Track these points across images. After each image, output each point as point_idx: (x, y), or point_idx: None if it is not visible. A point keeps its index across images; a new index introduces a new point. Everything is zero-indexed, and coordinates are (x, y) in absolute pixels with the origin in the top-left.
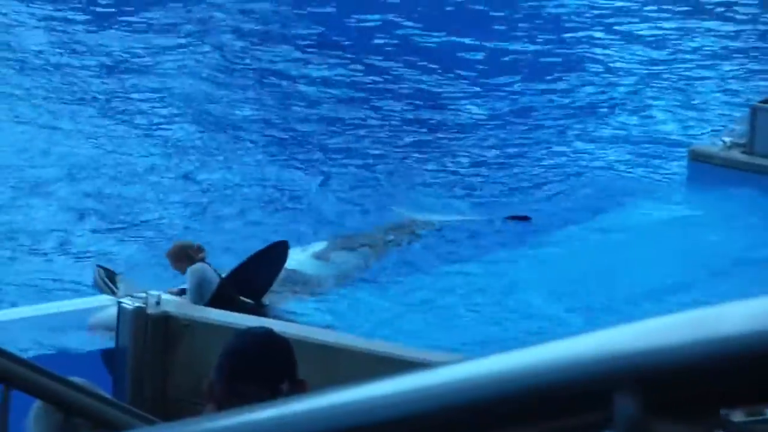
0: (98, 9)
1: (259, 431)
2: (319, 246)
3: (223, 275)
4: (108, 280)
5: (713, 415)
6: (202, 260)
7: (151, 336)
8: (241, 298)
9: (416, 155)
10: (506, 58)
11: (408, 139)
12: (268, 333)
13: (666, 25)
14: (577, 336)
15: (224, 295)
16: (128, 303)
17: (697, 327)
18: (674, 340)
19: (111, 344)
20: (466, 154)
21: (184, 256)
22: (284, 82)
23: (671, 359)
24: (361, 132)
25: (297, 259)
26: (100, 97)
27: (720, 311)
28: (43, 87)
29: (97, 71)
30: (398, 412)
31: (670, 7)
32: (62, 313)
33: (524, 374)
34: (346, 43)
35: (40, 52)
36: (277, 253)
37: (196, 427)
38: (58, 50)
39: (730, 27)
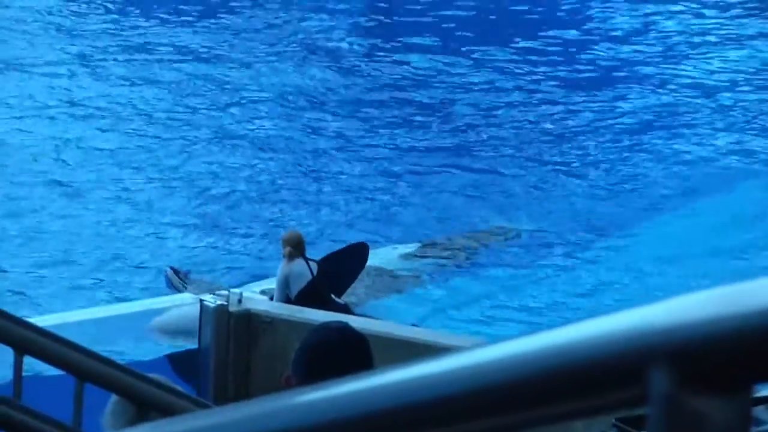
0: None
1: (295, 415)
2: (407, 248)
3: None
4: (181, 281)
5: (747, 389)
6: (302, 254)
7: (233, 334)
8: (333, 296)
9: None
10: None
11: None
12: (344, 327)
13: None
14: (610, 314)
15: (315, 292)
16: (210, 301)
17: (731, 301)
18: (708, 315)
19: (178, 347)
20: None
21: (294, 244)
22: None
23: (705, 334)
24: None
25: (385, 257)
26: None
27: (755, 285)
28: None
29: None
30: (434, 394)
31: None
32: (142, 312)
33: (558, 353)
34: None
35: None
36: (358, 253)
37: (246, 410)
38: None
39: None
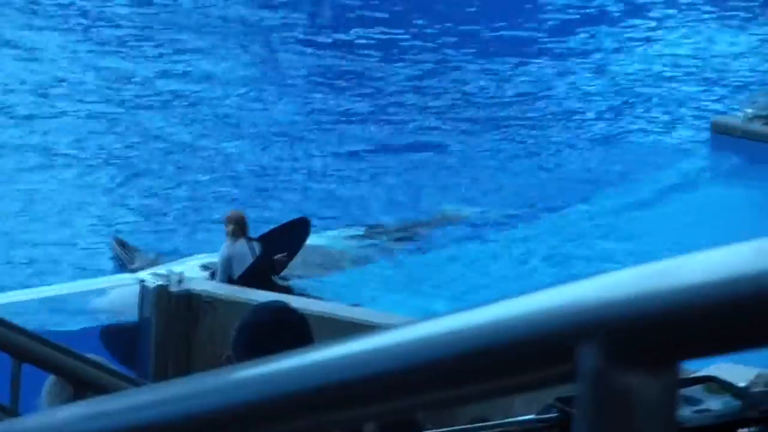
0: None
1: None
2: (351, 230)
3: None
4: (125, 253)
5: (674, 366)
6: (245, 233)
7: (174, 314)
8: (275, 278)
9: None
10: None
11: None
12: (283, 307)
13: None
14: (538, 291)
15: (257, 273)
16: (150, 281)
17: (658, 278)
18: (636, 292)
19: (107, 321)
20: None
21: (236, 224)
22: None
23: (633, 310)
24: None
25: (332, 239)
26: None
27: (681, 262)
28: None
29: None
30: (365, 371)
31: None
32: (83, 293)
33: (488, 330)
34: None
35: None
36: (299, 227)
37: (181, 387)
38: None
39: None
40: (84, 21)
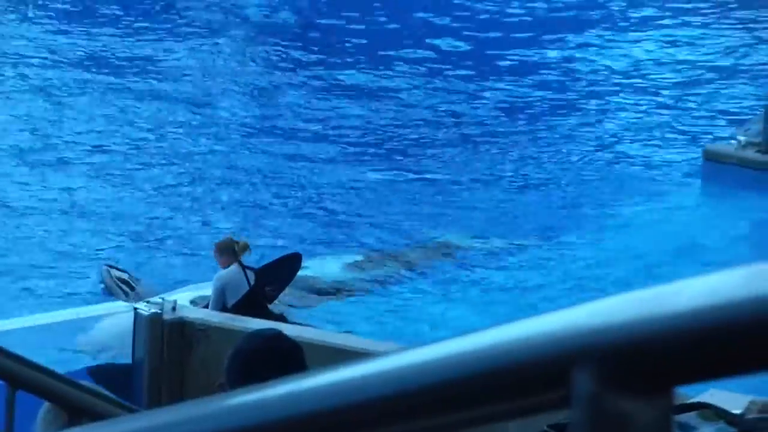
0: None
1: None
2: (352, 257)
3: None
4: (119, 281)
5: (668, 391)
6: (238, 260)
7: (167, 342)
8: (269, 306)
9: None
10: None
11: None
12: (277, 335)
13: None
14: (533, 316)
15: (252, 302)
16: (144, 309)
17: (653, 303)
18: (631, 317)
19: (99, 360)
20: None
21: (227, 251)
22: None
23: (628, 335)
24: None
25: (327, 267)
26: None
27: (676, 287)
28: None
29: None
30: (360, 397)
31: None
32: (76, 320)
33: (483, 355)
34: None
35: None
36: (291, 263)
37: (178, 413)
38: None
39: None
40: None
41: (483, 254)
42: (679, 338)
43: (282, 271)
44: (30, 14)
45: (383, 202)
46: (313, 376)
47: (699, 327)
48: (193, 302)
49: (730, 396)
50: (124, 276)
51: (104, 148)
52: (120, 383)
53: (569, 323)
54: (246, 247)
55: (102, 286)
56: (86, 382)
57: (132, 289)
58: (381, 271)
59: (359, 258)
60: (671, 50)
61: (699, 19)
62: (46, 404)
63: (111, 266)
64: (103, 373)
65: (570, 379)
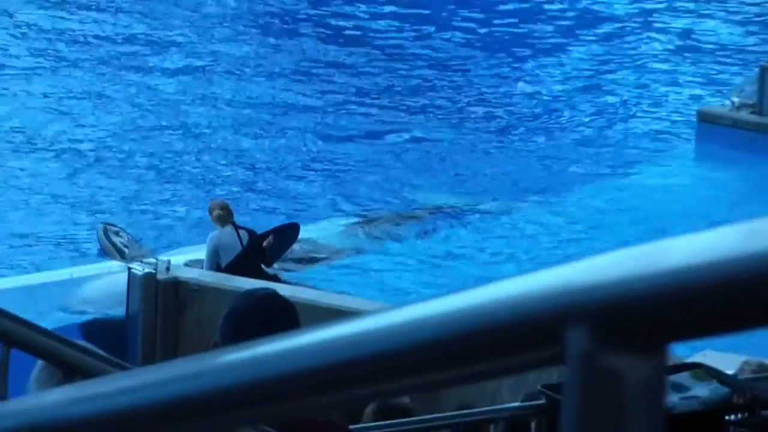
0: None
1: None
2: (344, 220)
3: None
4: (115, 241)
5: (662, 348)
6: (231, 220)
7: (161, 302)
8: (263, 266)
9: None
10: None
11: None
12: (270, 294)
13: None
14: (526, 273)
15: (245, 262)
16: (138, 269)
17: (647, 260)
18: (624, 274)
19: (93, 314)
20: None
21: (220, 210)
22: None
23: (621, 292)
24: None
25: (322, 229)
26: None
27: (670, 244)
28: None
29: None
30: (352, 355)
31: None
32: (70, 280)
33: (476, 312)
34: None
35: None
36: (289, 232)
37: (171, 370)
38: None
39: None
40: None
41: (480, 215)
42: (673, 295)
43: (279, 239)
44: None
45: (377, 164)
46: (304, 333)
47: (693, 284)
48: (187, 265)
49: (723, 356)
50: (122, 237)
51: (111, 110)
52: (113, 338)
53: (563, 280)
54: (228, 207)
55: (98, 246)
56: (81, 341)
57: (128, 248)
58: (374, 233)
59: (354, 220)
60: (666, 18)
61: None
62: (41, 363)
63: (108, 225)
64: (95, 329)
65: (564, 336)
